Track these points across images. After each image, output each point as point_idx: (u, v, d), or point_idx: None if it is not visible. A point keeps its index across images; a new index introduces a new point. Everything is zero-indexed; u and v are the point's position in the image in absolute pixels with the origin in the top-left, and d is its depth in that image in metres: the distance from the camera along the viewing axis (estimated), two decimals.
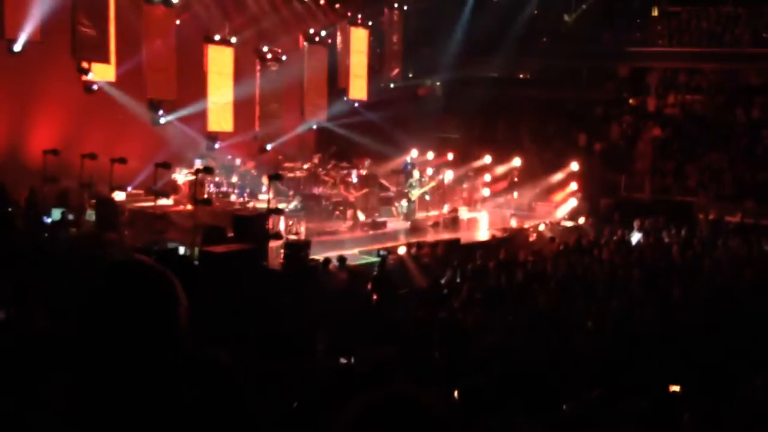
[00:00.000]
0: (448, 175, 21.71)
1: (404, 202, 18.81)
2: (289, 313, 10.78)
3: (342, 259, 12.88)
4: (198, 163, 16.57)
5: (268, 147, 20.56)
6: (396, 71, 24.42)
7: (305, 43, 21.35)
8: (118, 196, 15.22)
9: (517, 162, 22.88)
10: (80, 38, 15.62)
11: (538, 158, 25.22)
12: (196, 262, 11.26)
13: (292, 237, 14.20)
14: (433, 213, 19.26)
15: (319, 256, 12.97)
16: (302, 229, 15.17)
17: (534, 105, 27.02)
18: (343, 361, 7.57)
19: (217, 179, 17.31)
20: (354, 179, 18.97)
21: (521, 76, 30.02)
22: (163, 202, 15.70)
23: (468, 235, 17.73)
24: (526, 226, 18.91)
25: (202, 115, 18.74)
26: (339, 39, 22.51)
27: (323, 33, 22.07)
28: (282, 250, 12.77)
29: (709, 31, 27.40)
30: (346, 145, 21.84)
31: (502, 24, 26.19)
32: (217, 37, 18.94)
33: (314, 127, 22.44)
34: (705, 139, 24.16)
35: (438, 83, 28.02)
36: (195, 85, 18.40)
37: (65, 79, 15.84)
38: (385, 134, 22.92)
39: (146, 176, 15.99)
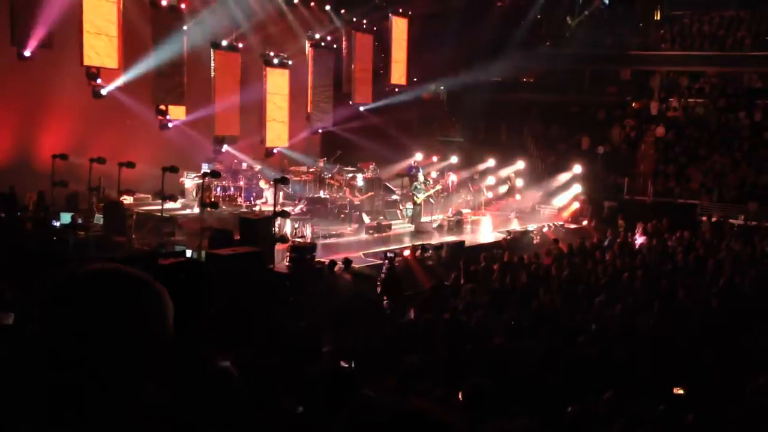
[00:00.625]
0: (452, 179, 21.85)
1: (409, 206, 18.94)
2: (295, 315, 10.91)
3: (347, 262, 13.01)
4: (205, 167, 16.73)
5: (275, 151, 20.71)
6: (400, 76, 24.55)
7: (311, 48, 21.50)
8: (127, 199, 15.40)
9: (520, 165, 22.99)
10: (89, 44, 15.80)
11: (542, 161, 25.34)
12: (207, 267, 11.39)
13: (298, 240, 14.34)
14: (438, 216, 19.38)
15: (325, 259, 13.10)
16: (308, 232, 15.30)
17: (537, 109, 27.15)
18: (345, 365, 7.66)
19: (223, 183, 17.46)
20: (359, 183, 19.13)
21: (524, 80, 30.12)
22: (170, 205, 15.85)
23: (472, 237, 17.85)
24: (529, 228, 19.01)
25: (209, 120, 18.89)
26: (344, 44, 22.66)
27: (329, 38, 22.23)
28: (288, 253, 12.89)
29: (712, 34, 27.49)
30: (352, 149, 21.98)
31: (505, 29, 26.33)
32: (224, 43, 19.10)
33: (320, 131, 22.59)
34: (707, 142, 24.25)
35: (442, 88, 28.17)
36: (202, 91, 18.56)
37: (74, 84, 16.01)
38: (389, 138, 23.07)
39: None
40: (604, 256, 14.39)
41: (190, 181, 17.62)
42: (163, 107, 17.79)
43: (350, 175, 19.44)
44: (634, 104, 27.45)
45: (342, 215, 17.75)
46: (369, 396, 4.09)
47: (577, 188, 22.14)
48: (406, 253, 14.84)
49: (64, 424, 1.42)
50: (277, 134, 20.66)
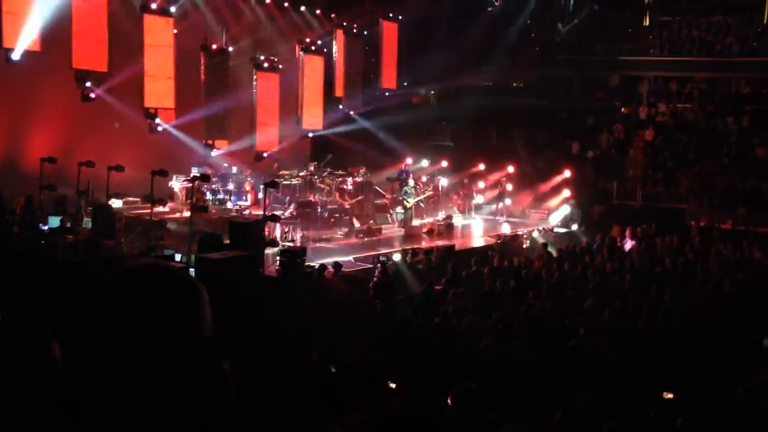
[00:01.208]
0: (443, 183, 21.89)
1: (400, 210, 18.94)
2: (285, 320, 10.88)
3: (338, 266, 13.00)
4: (194, 171, 16.69)
5: (264, 155, 20.68)
6: (391, 80, 24.59)
7: (301, 52, 21.50)
8: (115, 203, 15.32)
9: (510, 170, 23.06)
10: (78, 47, 15.75)
11: (531, 166, 25.42)
12: (192, 270, 11.35)
13: (288, 244, 14.31)
14: (428, 220, 19.40)
15: (315, 263, 13.08)
16: (298, 236, 15.28)
17: (527, 114, 27.24)
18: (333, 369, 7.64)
19: (213, 186, 17.41)
20: (349, 187, 19.12)
21: (514, 85, 30.25)
22: (159, 209, 15.79)
23: (462, 241, 17.87)
24: (519, 232, 19.06)
25: (199, 124, 18.85)
26: (335, 48, 22.67)
27: (319, 42, 22.24)
28: (278, 257, 12.87)
29: (700, 40, 27.70)
30: (342, 153, 21.98)
31: (495, 34, 26.44)
32: (214, 46, 19.07)
33: (310, 135, 22.57)
34: (696, 147, 24.41)
35: (432, 92, 28.23)
36: (192, 94, 18.52)
37: (63, 87, 15.94)
38: (380, 142, 23.10)
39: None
40: (593, 260, 14.45)
41: (179, 185, 17.57)
42: (152, 110, 17.73)
43: (340, 179, 19.44)
44: (623, 109, 27.61)
45: (332, 219, 17.73)
46: None
47: (566, 193, 22.21)
48: (397, 257, 14.84)
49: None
50: (267, 138, 20.63)
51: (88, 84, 16.26)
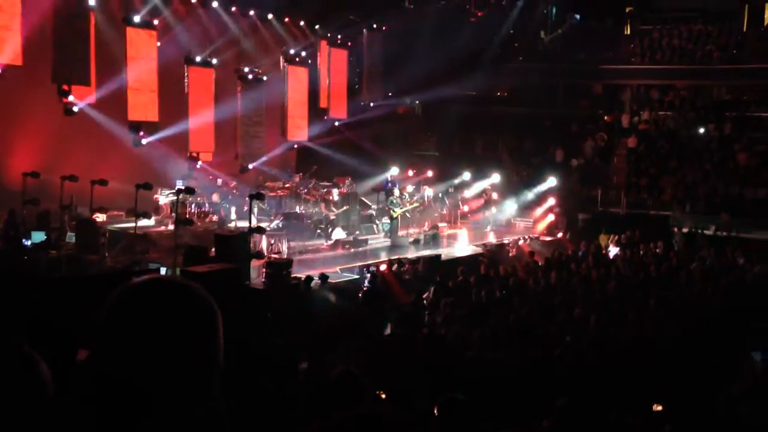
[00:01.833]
0: (428, 193, 21.94)
1: (386, 220, 18.96)
2: (272, 331, 10.84)
3: (324, 277, 12.97)
4: (179, 184, 16.62)
5: (250, 167, 20.63)
6: (375, 90, 24.65)
7: (285, 64, 21.52)
8: (99, 217, 15.21)
9: (495, 178, 23.16)
10: (61, 61, 15.66)
11: (517, 174, 25.55)
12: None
13: (274, 256, 14.27)
14: (414, 230, 19.43)
15: (301, 275, 13.05)
16: (284, 247, 15.24)
17: (511, 122, 27.40)
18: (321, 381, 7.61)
19: (198, 199, 17.34)
20: (335, 197, 19.12)
21: (498, 94, 30.42)
22: (144, 222, 15.70)
23: (449, 251, 17.91)
24: (505, 241, 19.12)
25: (183, 136, 18.78)
26: (319, 59, 22.71)
27: (303, 54, 22.27)
28: (264, 269, 12.82)
29: (681, 48, 28.02)
30: (327, 163, 21.98)
31: (478, 43, 26.60)
32: (198, 59, 19.05)
33: (295, 146, 22.57)
34: (678, 154, 24.63)
35: (417, 102, 28.33)
36: (176, 107, 18.47)
37: (46, 101, 15.83)
38: (365, 153, 23.13)
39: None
40: (579, 267, 14.52)
41: (164, 198, 17.48)
42: (136, 124, 17.66)
43: (326, 189, 19.43)
44: (606, 117, 27.83)
45: (318, 230, 17.70)
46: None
47: (551, 201, 22.33)
48: (383, 267, 14.84)
49: None
50: (252, 150, 20.60)
51: (70, 97, 16.16)
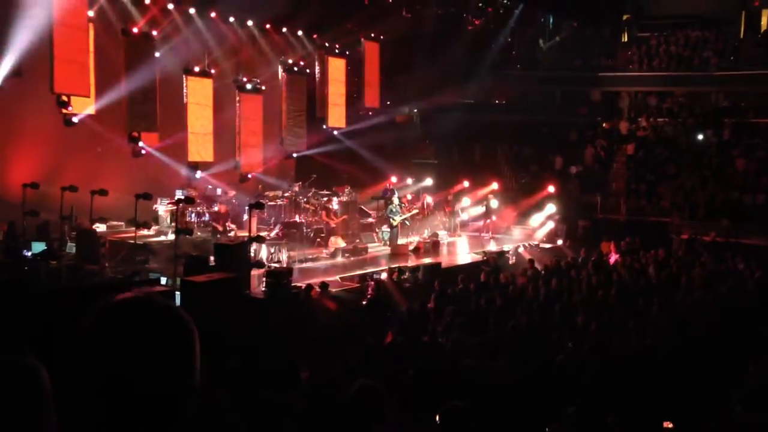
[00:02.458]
0: (428, 201, 21.96)
1: (385, 228, 18.97)
2: (272, 340, 10.83)
3: (324, 286, 12.97)
4: (179, 194, 16.63)
5: (249, 176, 20.65)
6: (374, 99, 24.70)
7: (284, 73, 21.57)
8: (99, 227, 15.21)
9: (494, 186, 23.19)
10: (60, 72, 15.68)
11: (516, 182, 25.59)
12: (177, 294, 11.29)
13: (274, 265, 14.27)
14: (414, 238, 19.43)
15: (302, 283, 13.04)
16: (284, 256, 15.24)
17: (510, 130, 27.47)
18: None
19: (198, 209, 17.36)
20: (334, 206, 19.14)
21: (496, 102, 30.50)
22: (144, 232, 15.70)
23: (449, 259, 17.91)
24: (505, 249, 19.12)
25: (182, 146, 18.80)
26: (317, 69, 22.77)
27: (301, 63, 22.34)
28: (264, 278, 12.82)
29: (678, 55, 28.11)
30: (326, 172, 22.02)
31: (476, 52, 26.69)
32: (196, 69, 19.09)
33: (294, 155, 22.59)
34: (677, 160, 24.68)
35: (415, 110, 28.39)
36: (175, 117, 18.49)
37: (45, 112, 15.84)
38: (364, 161, 23.17)
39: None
40: (579, 274, 14.51)
41: (163, 208, 17.50)
42: (135, 134, 17.67)
43: (325, 198, 19.45)
44: (604, 124, 27.90)
45: (318, 239, 17.71)
46: None
47: (551, 208, 22.35)
48: (383, 275, 14.84)
49: None
50: (252, 159, 20.61)
51: (70, 108, 16.18)
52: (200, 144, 19.16)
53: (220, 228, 16.90)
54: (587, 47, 30.28)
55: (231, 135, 20.12)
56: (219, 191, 19.25)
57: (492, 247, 19.66)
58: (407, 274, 15.14)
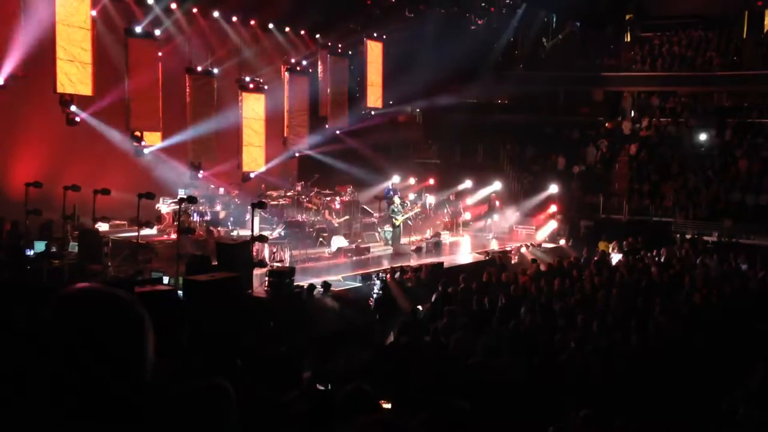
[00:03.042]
0: (430, 200, 21.95)
1: (388, 228, 18.97)
2: (274, 340, 10.82)
3: (327, 285, 12.96)
4: (181, 193, 16.64)
5: (251, 175, 20.67)
6: (376, 99, 24.71)
7: (286, 73, 21.59)
8: (102, 227, 15.23)
9: (497, 186, 23.17)
10: (62, 71, 15.72)
11: (518, 182, 25.57)
12: (180, 293, 11.29)
13: (277, 264, 14.26)
14: (416, 238, 19.42)
15: (304, 283, 13.04)
16: (286, 256, 15.24)
17: (512, 130, 27.45)
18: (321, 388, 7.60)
19: (200, 208, 17.37)
20: (337, 206, 19.14)
21: (499, 101, 30.47)
22: (146, 232, 15.70)
23: (451, 258, 17.90)
24: (507, 248, 19.11)
25: (185, 146, 18.83)
26: (320, 68, 22.78)
27: (304, 63, 22.34)
28: (266, 278, 12.82)
29: (681, 55, 28.07)
30: (329, 172, 22.02)
31: (479, 52, 26.67)
32: (199, 68, 19.11)
33: (296, 155, 22.61)
34: (680, 160, 24.65)
35: (418, 110, 28.38)
36: (178, 116, 18.51)
37: (48, 112, 15.88)
38: (366, 161, 23.16)
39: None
40: (581, 274, 14.49)
41: (166, 207, 17.51)
42: (138, 133, 17.71)
43: (328, 198, 19.45)
44: (607, 124, 27.87)
45: (320, 239, 17.72)
46: None
47: (553, 208, 22.33)
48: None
49: None
50: (254, 159, 20.64)
51: (72, 108, 16.21)
52: (203, 144, 19.19)
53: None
54: (590, 47, 30.25)
55: (234, 135, 20.14)
56: (221, 190, 19.26)
57: (494, 246, 19.65)
58: (409, 273, 15.13)
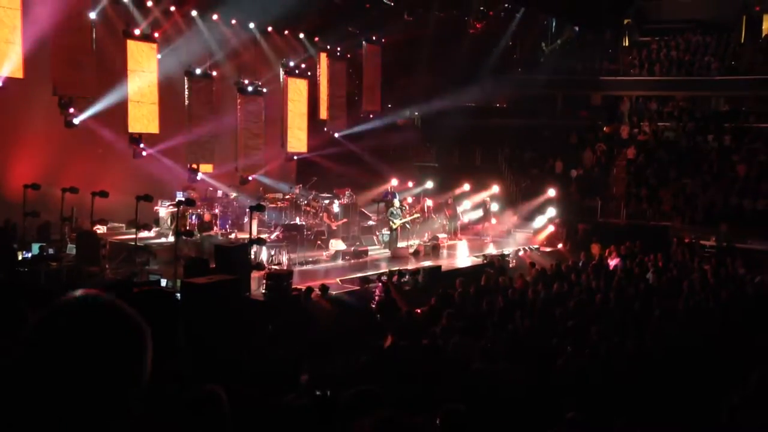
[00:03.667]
0: (428, 204, 21.96)
1: (386, 231, 18.97)
2: (272, 343, 10.81)
3: (324, 288, 12.96)
4: (179, 196, 16.64)
5: (250, 178, 20.67)
6: (375, 102, 24.73)
7: (285, 76, 21.60)
8: (100, 229, 15.22)
9: (495, 189, 23.19)
10: (61, 73, 15.71)
11: (516, 185, 25.59)
12: (178, 295, 11.28)
13: (275, 267, 14.26)
14: (414, 241, 19.43)
15: (302, 286, 13.03)
16: (284, 259, 15.24)
17: (511, 133, 27.49)
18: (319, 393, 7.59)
19: (198, 211, 17.37)
20: (335, 209, 19.14)
21: (497, 105, 30.51)
22: (144, 234, 15.70)
23: (449, 262, 17.90)
24: (505, 252, 19.12)
25: (183, 148, 18.83)
26: (318, 71, 22.80)
27: (303, 65, 22.36)
28: (264, 281, 12.82)
29: (679, 59, 28.14)
30: (327, 175, 22.03)
31: (478, 55, 26.73)
32: (198, 71, 19.12)
33: (295, 158, 22.62)
34: (677, 164, 24.69)
35: (416, 113, 28.41)
36: (176, 119, 18.52)
37: (46, 114, 15.88)
38: (365, 164, 23.19)
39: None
40: (579, 278, 14.50)
41: (164, 210, 17.50)
42: (136, 135, 17.71)
43: (326, 201, 19.46)
44: (605, 128, 27.92)
45: (318, 242, 17.72)
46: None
47: (551, 211, 22.35)
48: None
49: None
50: (252, 161, 20.64)
51: (71, 110, 16.21)
52: (201, 146, 19.19)
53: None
54: (589, 51, 30.31)
55: (232, 137, 20.16)
56: (220, 193, 19.26)
57: (492, 250, 19.66)
58: (407, 277, 15.13)
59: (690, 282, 13.87)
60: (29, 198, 14.08)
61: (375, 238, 19.59)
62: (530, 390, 7.71)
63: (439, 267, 16.33)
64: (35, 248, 13.97)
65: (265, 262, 14.17)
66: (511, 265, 17.89)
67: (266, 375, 7.85)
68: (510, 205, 23.52)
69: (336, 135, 23.55)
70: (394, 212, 18.46)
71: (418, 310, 12.27)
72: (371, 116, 24.76)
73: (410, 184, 23.48)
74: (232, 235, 17.16)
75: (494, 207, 22.38)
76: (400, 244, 18.54)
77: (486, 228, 21.93)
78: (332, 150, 22.90)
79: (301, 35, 22.18)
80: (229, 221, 18.05)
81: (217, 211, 18.15)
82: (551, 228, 21.89)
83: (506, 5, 27.82)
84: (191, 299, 10.84)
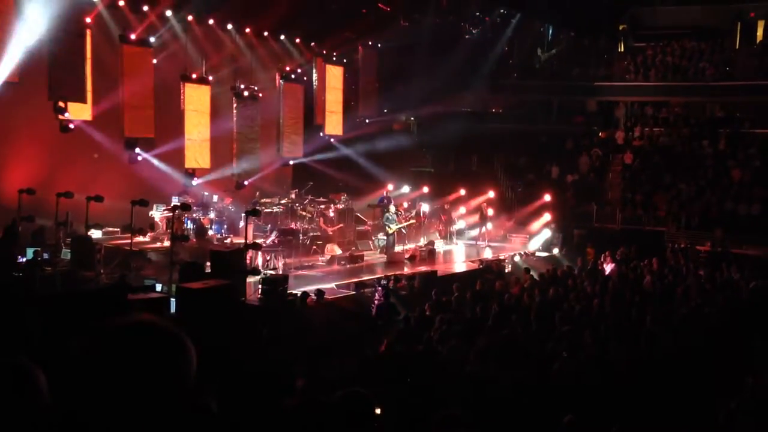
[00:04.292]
0: (424, 209, 21.97)
1: (382, 236, 18.97)
2: (268, 348, 10.79)
3: (320, 293, 12.95)
4: (175, 200, 16.61)
5: (246, 183, 20.66)
6: (371, 107, 24.75)
7: (281, 81, 21.61)
8: (95, 234, 15.18)
9: (491, 195, 23.22)
10: (57, 78, 15.68)
11: (512, 191, 25.63)
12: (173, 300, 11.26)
13: (270, 272, 14.24)
14: (410, 246, 19.43)
15: (297, 291, 13.02)
16: (280, 263, 15.22)
17: (507, 139, 27.52)
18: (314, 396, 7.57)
19: (194, 215, 17.34)
20: (331, 214, 19.13)
21: (493, 110, 30.56)
22: (140, 239, 15.67)
23: (444, 267, 17.90)
24: (501, 257, 19.13)
25: (179, 153, 18.80)
26: (315, 76, 22.82)
27: (299, 70, 22.38)
28: (260, 286, 12.80)
29: (674, 65, 28.22)
30: (323, 180, 22.03)
31: (474, 61, 26.78)
32: (194, 76, 19.11)
33: (291, 162, 22.61)
34: (673, 170, 24.74)
35: (412, 118, 28.43)
36: (172, 123, 18.50)
37: (42, 118, 15.84)
38: (361, 169, 23.18)
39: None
40: (575, 283, 14.50)
41: (159, 214, 17.48)
42: (132, 140, 17.69)
43: (322, 206, 19.45)
44: (600, 134, 27.98)
45: (314, 247, 17.70)
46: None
47: (547, 217, 22.38)
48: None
49: None
50: (248, 166, 20.63)
51: (66, 115, 16.17)
52: (197, 151, 19.17)
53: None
54: (584, 57, 30.40)
55: (228, 142, 20.14)
56: (215, 198, 19.24)
57: (488, 255, 19.66)
58: (403, 282, 15.12)
59: (685, 287, 13.88)
60: (24, 203, 14.03)
61: (371, 242, 19.58)
62: (526, 394, 7.71)
63: (435, 272, 16.32)
64: (30, 253, 13.92)
65: (260, 267, 14.15)
66: (507, 270, 17.90)
67: (261, 379, 7.83)
68: (506, 211, 23.54)
69: (332, 140, 23.56)
70: (390, 217, 18.46)
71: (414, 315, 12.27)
72: (367, 121, 24.78)
73: (406, 188, 23.49)
74: (228, 240, 17.13)
75: (490, 212, 22.40)
76: (396, 249, 18.53)
77: (483, 234, 21.94)
78: (328, 155, 22.91)
79: (298, 40, 22.20)
80: (225, 226, 18.02)
81: (212, 215, 18.12)
82: (547, 233, 21.92)
83: (502, 11, 27.91)
84: (186, 304, 10.82)
